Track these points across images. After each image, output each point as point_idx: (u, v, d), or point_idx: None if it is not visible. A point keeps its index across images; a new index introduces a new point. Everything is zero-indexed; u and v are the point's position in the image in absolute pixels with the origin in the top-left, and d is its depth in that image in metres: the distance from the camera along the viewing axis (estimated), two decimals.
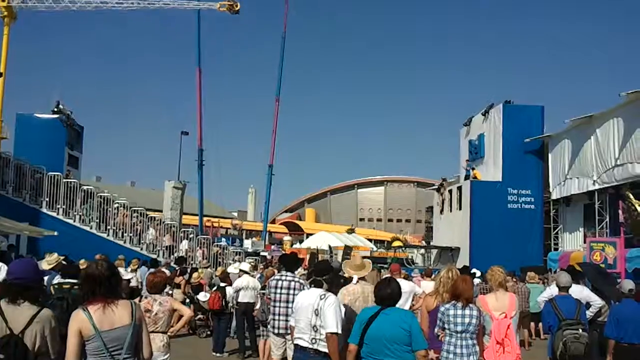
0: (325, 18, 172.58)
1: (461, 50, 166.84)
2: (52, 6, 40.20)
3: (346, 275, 7.09)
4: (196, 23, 42.99)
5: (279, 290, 7.61)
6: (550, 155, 30.37)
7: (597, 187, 26.02)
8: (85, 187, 24.94)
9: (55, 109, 30.17)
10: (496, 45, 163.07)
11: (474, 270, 12.92)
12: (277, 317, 7.58)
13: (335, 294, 5.70)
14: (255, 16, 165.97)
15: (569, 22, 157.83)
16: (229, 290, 12.52)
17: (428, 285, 11.30)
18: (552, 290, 8.68)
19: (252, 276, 12.85)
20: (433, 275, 13.46)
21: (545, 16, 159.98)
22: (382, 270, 12.87)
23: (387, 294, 5.21)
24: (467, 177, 32.67)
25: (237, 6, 39.00)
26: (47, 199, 23.62)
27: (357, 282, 6.70)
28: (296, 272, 8.48)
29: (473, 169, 33.07)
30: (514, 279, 15.31)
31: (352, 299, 6.42)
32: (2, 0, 42.26)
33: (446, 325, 5.88)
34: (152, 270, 12.02)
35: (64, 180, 24.30)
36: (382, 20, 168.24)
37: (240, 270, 13.01)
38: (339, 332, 5.45)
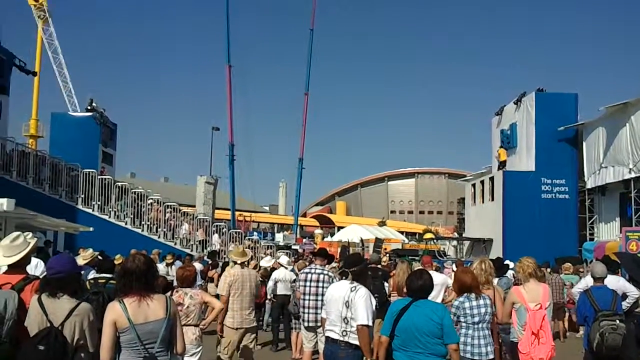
0: (356, 11, 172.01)
1: (493, 40, 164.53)
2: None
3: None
4: (225, 20, 43.28)
5: (308, 283, 7.67)
6: (584, 143, 29.77)
7: (633, 175, 25.47)
8: (119, 184, 25.34)
9: (89, 107, 30.73)
10: (528, 34, 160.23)
11: (507, 261, 12.77)
12: (307, 310, 7.64)
13: (365, 285, 5.70)
14: (284, 11, 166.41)
15: (602, 11, 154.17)
16: (269, 284, 12.72)
17: None
18: (587, 281, 8.55)
19: (291, 269, 13.06)
20: None
21: (577, 5, 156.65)
22: (413, 263, 12.77)
23: (418, 286, 5.20)
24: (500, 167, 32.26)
25: None
26: (83, 196, 24.06)
27: (240, 266, 8.41)
28: (327, 266, 8.53)
29: (501, 147, 32.84)
30: (548, 270, 15.11)
31: (232, 280, 8.11)
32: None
33: (462, 319, 5.89)
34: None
35: (99, 177, 24.72)
36: (412, 12, 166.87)
37: (279, 263, 13.31)
38: (370, 324, 5.45)
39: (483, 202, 34.19)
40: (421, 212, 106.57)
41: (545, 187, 29.81)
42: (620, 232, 23.70)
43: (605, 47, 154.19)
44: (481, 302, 5.88)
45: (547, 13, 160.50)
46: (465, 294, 5.96)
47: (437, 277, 8.89)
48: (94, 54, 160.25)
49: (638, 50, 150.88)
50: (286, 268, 12.86)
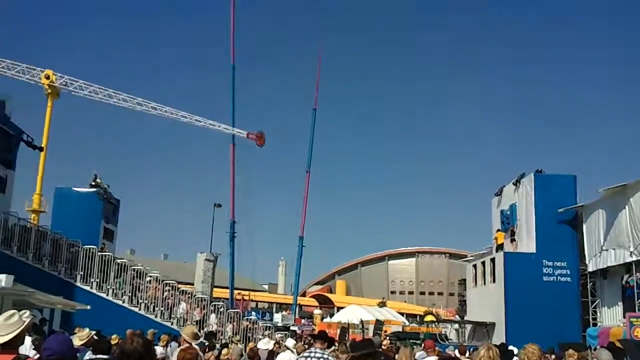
0: (359, 91, 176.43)
1: (492, 121, 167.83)
2: (91, 95, 42.49)
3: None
4: (231, 99, 44.30)
5: None
6: (584, 225, 29.83)
7: (634, 258, 25.37)
8: (119, 261, 25.20)
9: (93, 183, 31.01)
10: (527, 115, 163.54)
11: (511, 347, 12.54)
12: None
13: None
14: (287, 88, 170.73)
15: (598, 92, 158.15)
16: None
17: None
18: None
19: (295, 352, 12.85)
20: (468, 353, 13.08)
21: (573, 85, 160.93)
22: (414, 347, 12.55)
23: None
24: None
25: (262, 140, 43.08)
26: (82, 273, 23.88)
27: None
28: (328, 350, 8.40)
29: (498, 230, 33.19)
30: (552, 357, 14.80)
31: None
32: (46, 78, 44.55)
33: None
34: (182, 347, 12.00)
35: (99, 253, 24.64)
36: (413, 91, 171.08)
37: (285, 346, 13.22)
38: None
39: (484, 283, 33.90)
40: (422, 293, 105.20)
41: (546, 270, 29.65)
42: (624, 317, 23.37)
43: (603, 128, 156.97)
44: None
45: (546, 93, 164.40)
46: None
47: None
48: (99, 131, 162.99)
49: (635, 133, 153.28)
50: (292, 352, 12.58)
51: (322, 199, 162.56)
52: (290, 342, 13.41)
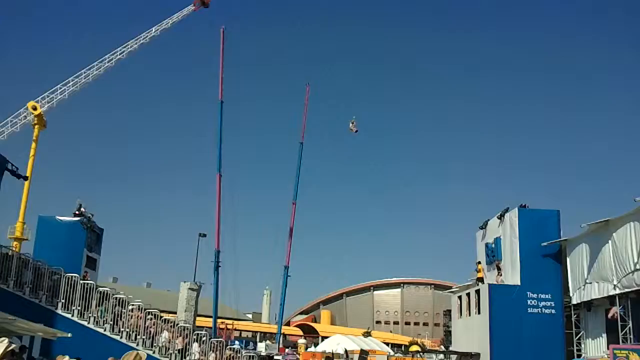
0: (342, 118, 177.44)
1: (476, 152, 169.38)
2: (73, 89, 43.54)
3: None
4: (219, 129, 44.40)
5: None
6: (568, 259, 30.06)
7: (617, 291, 25.55)
8: (101, 289, 24.94)
9: (77, 212, 30.81)
10: (512, 147, 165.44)
11: None
12: None
13: None
14: (272, 119, 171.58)
15: (583, 126, 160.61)
16: None
17: None
18: None
19: None
20: None
21: (557, 119, 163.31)
22: None
23: None
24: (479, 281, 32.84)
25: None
26: (63, 300, 23.59)
27: None
28: None
29: (479, 263, 33.53)
30: None
31: None
32: (33, 109, 44.59)
33: None
34: None
35: (81, 281, 24.38)
36: (397, 121, 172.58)
37: None
38: None
39: (469, 314, 33.89)
40: (407, 323, 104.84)
41: (531, 302, 29.75)
42: (608, 349, 23.47)
43: (586, 163, 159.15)
44: None
45: (531, 127, 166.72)
46: None
47: None
48: (83, 160, 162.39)
49: (619, 167, 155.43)
50: None
51: (308, 228, 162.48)
52: None
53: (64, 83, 46.05)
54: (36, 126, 45.28)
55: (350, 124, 40.76)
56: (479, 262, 34.13)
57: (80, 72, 46.47)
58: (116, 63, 47.59)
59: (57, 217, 30.85)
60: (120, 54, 47.64)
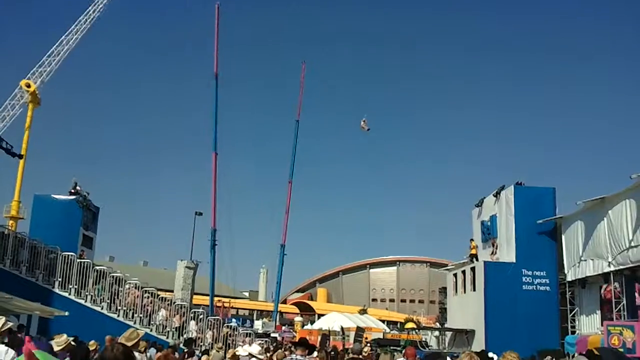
0: (340, 98, 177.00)
1: (474, 131, 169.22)
2: (59, 58, 43.23)
3: None
4: (214, 107, 44.31)
5: None
6: (563, 236, 30.17)
7: (612, 268, 25.69)
8: (98, 267, 24.99)
9: (73, 190, 30.70)
10: (509, 126, 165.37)
11: (490, 354, 12.66)
12: None
13: None
14: (269, 98, 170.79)
15: (580, 105, 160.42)
16: None
17: None
18: None
19: None
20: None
21: (555, 98, 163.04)
22: (395, 354, 12.59)
23: None
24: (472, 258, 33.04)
25: None
26: (60, 279, 23.65)
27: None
28: (308, 357, 8.41)
29: (472, 240, 33.58)
30: None
31: None
32: (27, 87, 44.25)
33: None
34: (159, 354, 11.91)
35: (78, 260, 24.40)
36: (396, 98, 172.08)
37: (250, 354, 12.68)
38: None
39: (465, 292, 34.10)
40: (402, 301, 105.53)
41: (526, 279, 29.90)
42: (602, 325, 23.67)
43: (583, 141, 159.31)
44: None
45: (528, 107, 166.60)
46: None
47: None
48: (79, 138, 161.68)
49: (616, 145, 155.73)
50: (258, 358, 12.29)
51: (304, 206, 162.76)
52: (254, 348, 13.06)
53: (49, 54, 45.75)
54: (30, 104, 45.00)
55: (362, 122, 40.62)
56: (472, 239, 34.32)
57: (62, 39, 46.11)
58: (92, 24, 47.27)
59: (53, 195, 30.74)
60: (93, 12, 47.29)
